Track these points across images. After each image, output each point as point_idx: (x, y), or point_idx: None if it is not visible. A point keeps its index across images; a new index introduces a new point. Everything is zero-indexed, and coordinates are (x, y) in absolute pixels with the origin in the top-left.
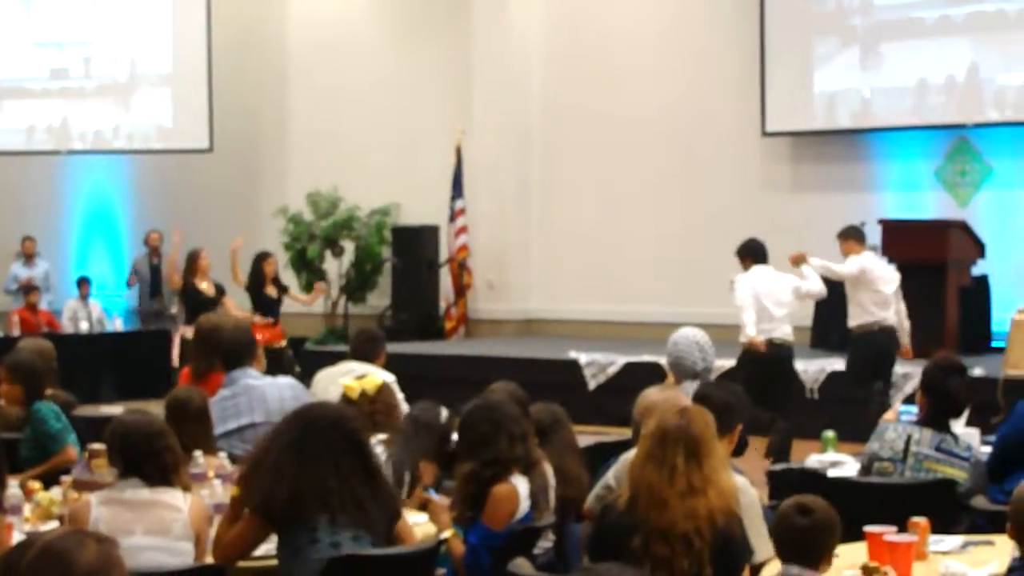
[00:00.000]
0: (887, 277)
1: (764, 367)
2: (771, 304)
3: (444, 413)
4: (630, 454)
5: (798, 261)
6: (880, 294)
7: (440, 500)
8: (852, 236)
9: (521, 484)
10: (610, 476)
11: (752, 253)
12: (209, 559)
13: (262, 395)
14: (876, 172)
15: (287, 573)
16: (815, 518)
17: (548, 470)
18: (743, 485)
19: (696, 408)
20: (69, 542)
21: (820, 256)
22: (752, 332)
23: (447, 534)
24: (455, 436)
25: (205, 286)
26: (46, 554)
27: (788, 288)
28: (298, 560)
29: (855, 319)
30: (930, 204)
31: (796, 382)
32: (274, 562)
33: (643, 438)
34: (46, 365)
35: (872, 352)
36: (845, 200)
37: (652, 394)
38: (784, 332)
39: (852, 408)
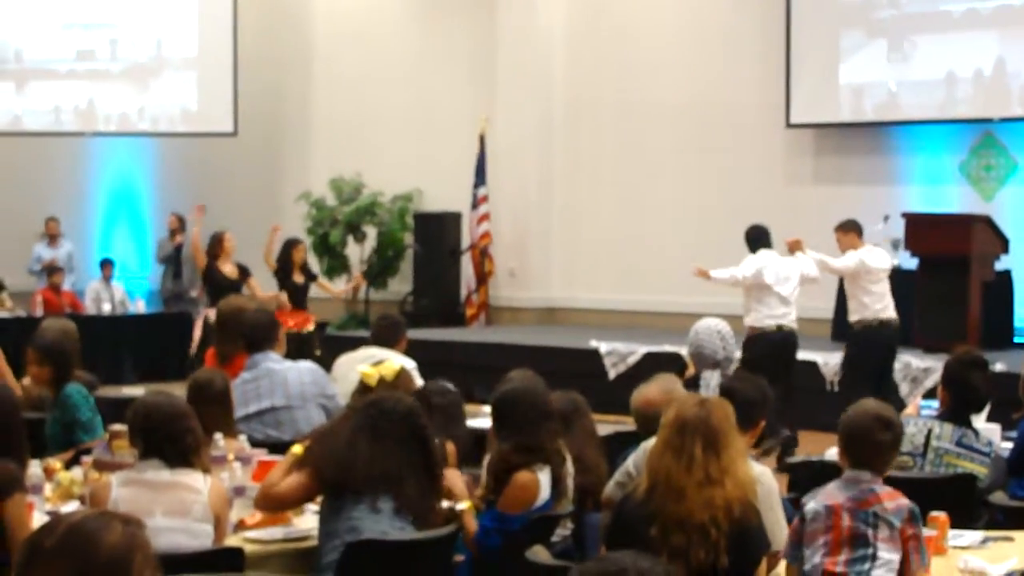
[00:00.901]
0: (883, 269)
1: (770, 352)
2: (783, 290)
3: (456, 392)
4: (650, 443)
5: (795, 247)
6: (877, 287)
7: (453, 472)
8: (853, 229)
9: (543, 475)
10: (630, 464)
11: (761, 237)
12: (228, 541)
13: (283, 379)
14: (901, 165)
15: (322, 532)
16: (895, 433)
17: (568, 461)
18: (761, 474)
19: (716, 399)
20: (96, 523)
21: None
22: (723, 276)
23: (463, 505)
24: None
25: (228, 269)
26: (72, 535)
27: (796, 274)
28: (336, 519)
29: (855, 314)
30: (954, 198)
31: (794, 371)
32: (285, 546)
33: (662, 427)
34: (70, 346)
35: (872, 348)
36: (869, 193)
37: (647, 389)
38: (792, 319)
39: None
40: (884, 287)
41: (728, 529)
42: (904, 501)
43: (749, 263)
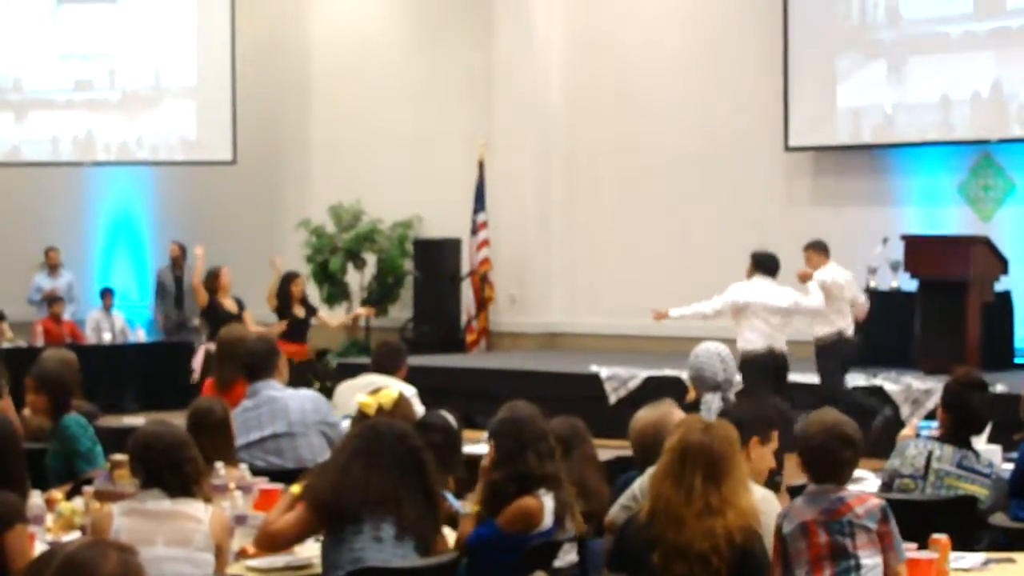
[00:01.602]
0: (845, 286)
1: (761, 374)
2: (758, 317)
3: (454, 422)
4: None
5: (805, 278)
6: (840, 303)
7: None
8: (821, 250)
9: (547, 499)
10: (636, 488)
11: (759, 264)
12: (230, 570)
13: (284, 406)
14: (899, 187)
15: (326, 560)
16: (856, 448)
17: (565, 486)
18: (763, 499)
19: (722, 424)
20: (91, 552)
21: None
22: (686, 312)
23: (466, 509)
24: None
25: (228, 303)
26: (69, 564)
27: (783, 302)
28: (339, 549)
29: (820, 329)
30: (953, 219)
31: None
32: (286, 575)
33: (664, 452)
34: (70, 376)
35: (837, 361)
36: (867, 215)
37: (644, 414)
38: (781, 343)
39: (871, 423)
40: (844, 304)
41: (729, 556)
42: (874, 501)
43: (727, 293)
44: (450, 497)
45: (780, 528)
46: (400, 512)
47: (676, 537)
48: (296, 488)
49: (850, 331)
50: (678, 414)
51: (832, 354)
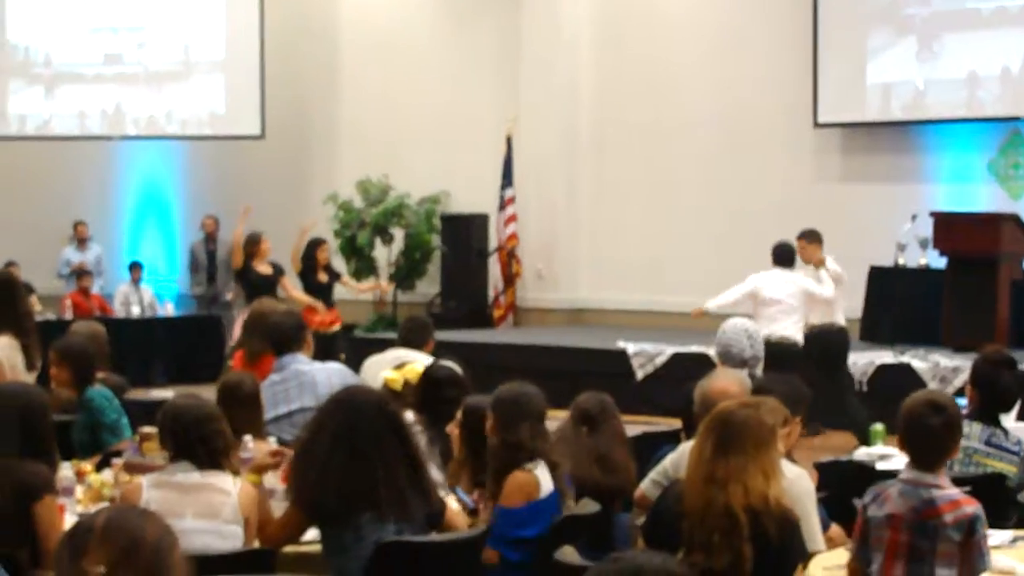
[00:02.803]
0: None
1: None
2: (765, 305)
3: (459, 370)
4: (690, 443)
5: (820, 264)
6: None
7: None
8: (817, 240)
9: (540, 470)
10: (667, 462)
11: (774, 255)
12: (258, 543)
13: (312, 380)
14: (928, 164)
15: (334, 568)
16: (947, 417)
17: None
18: (797, 475)
19: (767, 405)
20: (134, 515)
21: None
22: (720, 302)
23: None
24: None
25: (263, 268)
26: (118, 518)
27: (792, 290)
28: (345, 557)
29: (817, 319)
30: (982, 197)
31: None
32: (315, 547)
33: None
34: (98, 349)
35: (831, 347)
36: (897, 192)
37: (720, 381)
38: (783, 332)
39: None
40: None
41: (751, 534)
42: (967, 510)
43: (746, 282)
44: (460, 493)
45: (866, 508)
46: (387, 498)
47: (689, 499)
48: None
49: (840, 319)
50: (747, 383)
51: (824, 341)
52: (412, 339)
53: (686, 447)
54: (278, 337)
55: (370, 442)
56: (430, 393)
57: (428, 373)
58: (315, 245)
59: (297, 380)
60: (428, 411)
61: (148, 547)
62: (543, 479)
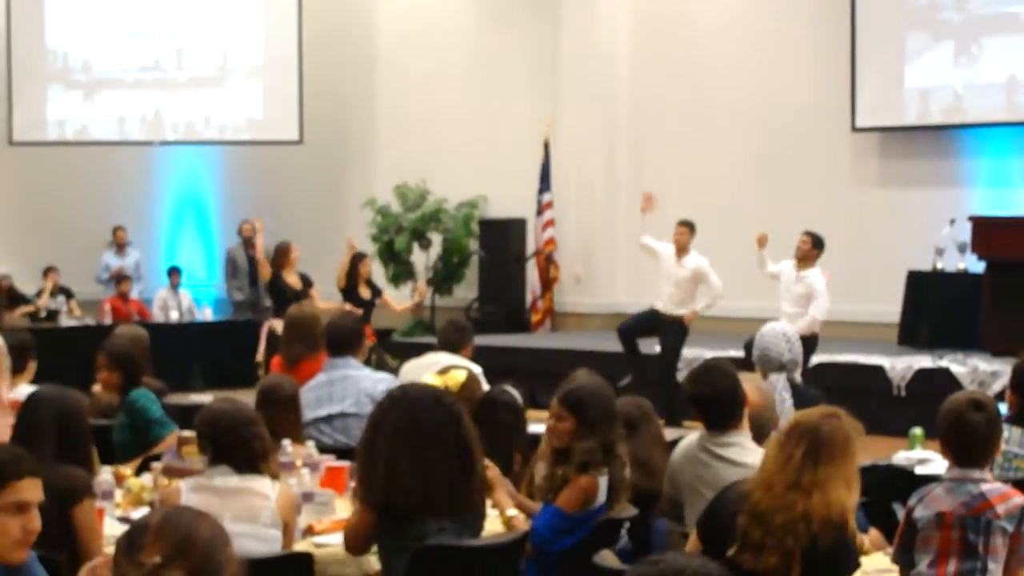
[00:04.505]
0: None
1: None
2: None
3: (519, 398)
4: (686, 441)
5: (761, 243)
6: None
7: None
8: (822, 247)
9: (603, 479)
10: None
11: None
12: (297, 547)
13: (356, 386)
14: (966, 168)
15: (388, 568)
16: (988, 415)
17: (627, 466)
18: None
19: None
20: (188, 515)
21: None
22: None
23: (512, 512)
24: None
25: (292, 279)
26: (172, 515)
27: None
28: (402, 557)
29: (803, 329)
30: (1021, 201)
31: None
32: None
33: (781, 430)
34: (141, 353)
35: (809, 353)
36: (935, 196)
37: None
38: (794, 321)
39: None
40: None
41: (805, 540)
42: (1016, 500)
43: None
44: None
45: (912, 511)
46: (451, 496)
47: (762, 501)
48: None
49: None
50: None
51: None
52: (451, 342)
53: (687, 441)
54: (336, 337)
55: (432, 433)
56: (485, 412)
57: (489, 394)
58: (357, 260)
59: (342, 384)
60: (479, 427)
61: (201, 542)
62: (602, 488)
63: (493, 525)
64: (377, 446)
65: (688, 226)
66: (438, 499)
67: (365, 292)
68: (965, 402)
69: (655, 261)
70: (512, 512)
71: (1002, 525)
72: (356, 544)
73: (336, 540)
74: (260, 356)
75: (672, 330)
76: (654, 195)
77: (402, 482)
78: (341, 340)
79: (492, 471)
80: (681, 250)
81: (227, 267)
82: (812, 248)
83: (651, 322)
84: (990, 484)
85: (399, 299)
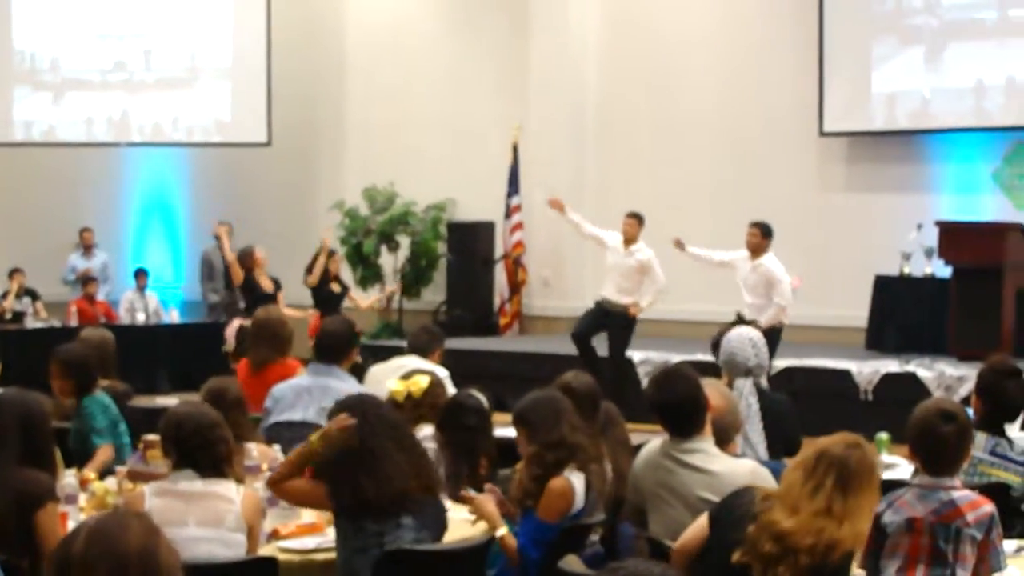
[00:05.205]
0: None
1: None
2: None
3: (486, 403)
4: (648, 448)
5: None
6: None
7: (482, 496)
8: (770, 235)
9: (576, 479)
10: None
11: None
12: (262, 551)
13: (332, 398)
14: (933, 173)
15: (347, 567)
16: (959, 425)
17: (607, 468)
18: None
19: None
20: (113, 522)
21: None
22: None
23: (501, 532)
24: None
25: (265, 282)
26: (96, 536)
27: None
28: (363, 556)
29: (771, 319)
30: (988, 206)
31: None
32: (318, 556)
33: (805, 453)
34: (106, 356)
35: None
36: (902, 201)
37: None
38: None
39: (906, 410)
40: None
41: (821, 564)
42: (986, 509)
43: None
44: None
45: (880, 516)
46: (418, 508)
47: (783, 521)
48: (315, 439)
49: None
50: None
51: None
52: (421, 346)
53: (649, 448)
54: (324, 343)
55: (390, 437)
56: (451, 415)
57: (455, 398)
58: (328, 256)
59: (322, 392)
60: (445, 431)
61: (134, 560)
62: (578, 488)
63: (463, 530)
64: (344, 453)
65: (637, 218)
66: (402, 497)
67: (335, 287)
68: (935, 412)
69: (602, 249)
70: (501, 532)
71: (972, 533)
72: (292, 500)
73: (302, 545)
74: (230, 346)
75: (618, 323)
76: (560, 200)
77: (370, 482)
78: (328, 347)
79: (479, 500)
80: (630, 240)
81: (202, 269)
82: (762, 239)
83: (599, 316)
84: (960, 492)
85: (365, 298)
